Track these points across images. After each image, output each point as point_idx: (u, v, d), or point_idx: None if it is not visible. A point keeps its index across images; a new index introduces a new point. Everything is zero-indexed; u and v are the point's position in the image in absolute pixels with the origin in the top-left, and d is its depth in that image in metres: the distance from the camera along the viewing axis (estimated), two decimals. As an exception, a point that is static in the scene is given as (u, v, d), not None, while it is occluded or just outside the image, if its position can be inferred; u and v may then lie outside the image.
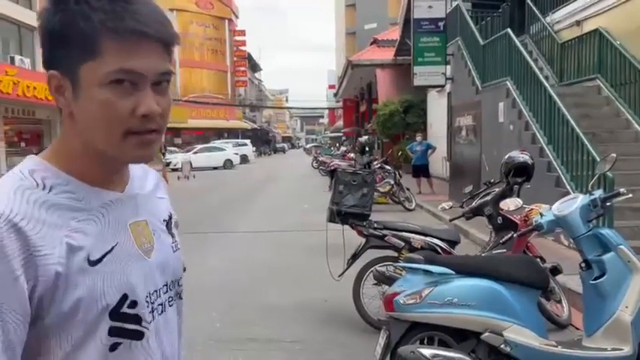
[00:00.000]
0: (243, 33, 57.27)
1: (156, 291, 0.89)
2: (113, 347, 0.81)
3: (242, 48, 56.72)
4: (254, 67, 67.66)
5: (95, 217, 0.82)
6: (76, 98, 0.78)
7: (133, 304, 0.83)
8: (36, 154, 0.84)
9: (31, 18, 19.21)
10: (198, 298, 5.12)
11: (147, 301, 0.86)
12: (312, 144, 66.67)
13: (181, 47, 48.22)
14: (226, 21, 54.12)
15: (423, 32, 14.45)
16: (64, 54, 0.77)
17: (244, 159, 34.11)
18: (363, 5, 55.77)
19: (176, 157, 28.54)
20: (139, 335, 0.85)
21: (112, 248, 0.82)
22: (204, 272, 6.28)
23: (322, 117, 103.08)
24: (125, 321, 0.82)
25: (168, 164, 25.72)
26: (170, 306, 0.93)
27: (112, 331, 0.81)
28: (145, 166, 0.98)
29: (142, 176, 0.97)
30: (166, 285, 0.92)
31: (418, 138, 14.29)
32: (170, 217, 0.99)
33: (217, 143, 35.68)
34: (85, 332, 0.79)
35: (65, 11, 0.76)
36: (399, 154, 17.05)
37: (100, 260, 0.80)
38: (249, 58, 60.37)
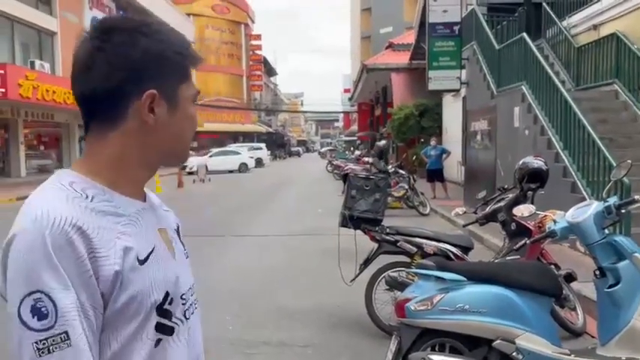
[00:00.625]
0: (258, 37, 57.65)
1: (189, 289, 0.97)
2: (157, 343, 0.88)
3: (258, 52, 57.11)
4: (269, 71, 68.00)
5: (134, 222, 0.89)
6: (170, 113, 0.91)
7: (172, 301, 0.90)
8: (60, 167, 0.91)
9: (50, 23, 19.56)
10: (212, 301, 5.17)
11: (183, 299, 0.94)
12: (327, 148, 66.69)
13: (198, 51, 48.76)
14: (242, 25, 54.53)
15: (438, 36, 14.41)
16: (166, 76, 0.90)
17: (259, 162, 34.28)
18: (379, 9, 55.74)
19: (192, 161, 28.75)
20: (176, 332, 0.92)
21: (153, 249, 0.90)
22: (218, 275, 6.33)
23: (337, 121, 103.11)
24: (167, 317, 0.89)
25: (184, 167, 25.93)
26: (195, 308, 1.00)
27: (158, 327, 0.88)
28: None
29: (148, 193, 1.03)
30: (190, 288, 0.99)
31: (432, 142, 14.23)
32: (178, 227, 1.06)
33: (233, 147, 35.92)
34: (137, 327, 0.85)
35: (166, 42, 0.91)
36: (414, 158, 17.00)
37: (146, 259, 0.87)
38: (265, 62, 60.71)
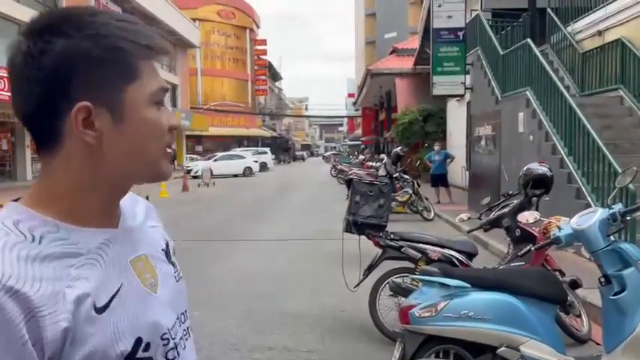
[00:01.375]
0: (264, 42, 57.91)
1: (173, 326, 0.83)
2: None
3: (263, 57, 57.35)
4: (274, 75, 68.22)
5: (94, 260, 0.74)
6: (117, 125, 0.74)
7: (147, 346, 0.77)
8: (15, 200, 0.77)
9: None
10: (216, 305, 5.19)
11: (165, 339, 0.80)
12: (331, 152, 66.77)
13: (203, 56, 49.05)
14: (247, 30, 54.81)
15: (443, 42, 14.44)
16: (100, 81, 0.73)
17: (264, 167, 34.36)
18: (383, 15, 55.94)
19: (197, 165, 28.93)
20: None
21: (118, 290, 0.75)
22: (222, 279, 6.34)
23: (341, 125, 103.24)
24: None
25: (189, 171, 26.08)
26: (186, 340, 0.88)
27: None
28: (133, 195, 0.93)
29: (132, 207, 0.90)
30: (178, 318, 0.86)
31: (436, 147, 14.23)
32: (167, 245, 0.93)
33: (237, 151, 36.03)
34: None
35: (96, 36, 0.72)
36: (418, 163, 17.00)
37: (107, 306, 0.73)
38: (270, 66, 60.95)
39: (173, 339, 0.82)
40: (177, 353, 0.82)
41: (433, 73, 14.71)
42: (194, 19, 40.51)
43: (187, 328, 0.89)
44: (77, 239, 0.74)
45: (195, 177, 25.55)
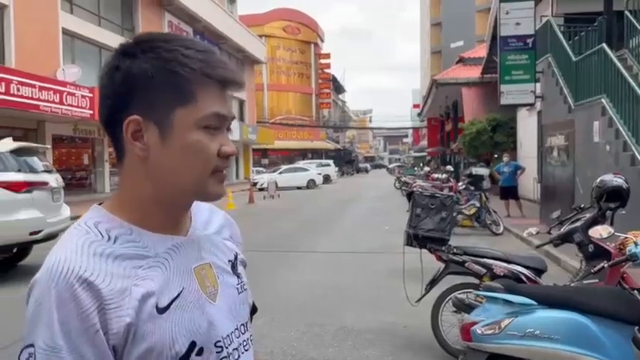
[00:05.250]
0: (328, 56, 58.60)
1: (228, 335, 0.87)
2: None
3: (327, 71, 58.03)
4: (338, 88, 68.77)
5: (160, 264, 0.82)
6: (164, 142, 0.80)
7: (201, 351, 0.82)
8: (100, 204, 0.87)
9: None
10: (278, 316, 5.25)
11: (218, 347, 0.85)
12: (395, 164, 66.11)
13: (269, 71, 50.41)
14: (312, 45, 55.73)
15: (511, 50, 13.98)
16: (153, 100, 0.80)
17: (327, 179, 34.58)
18: (449, 24, 55.11)
19: (262, 177, 29.59)
20: None
21: (179, 294, 0.81)
22: (284, 291, 6.42)
23: (406, 136, 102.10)
24: None
25: (255, 184, 26.72)
26: (246, 351, 0.91)
27: None
28: (214, 207, 1.00)
29: (207, 218, 0.97)
30: (237, 329, 0.90)
31: (505, 158, 13.74)
32: (236, 257, 0.98)
33: (301, 164, 36.51)
34: None
35: (158, 59, 0.79)
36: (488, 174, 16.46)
37: (167, 307, 0.79)
38: (334, 80, 61.52)
39: (227, 348, 0.85)
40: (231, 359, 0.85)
41: (501, 81, 14.26)
42: (261, 36, 41.74)
43: (247, 340, 0.92)
44: (147, 243, 0.82)
45: (261, 189, 26.14)
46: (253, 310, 1.05)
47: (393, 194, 23.64)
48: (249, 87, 37.37)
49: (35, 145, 9.18)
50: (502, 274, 4.04)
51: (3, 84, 12.74)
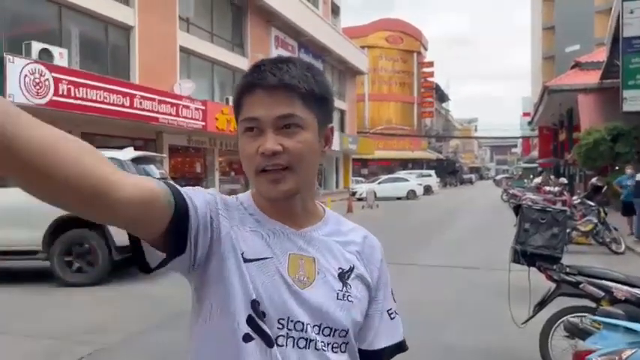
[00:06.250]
0: (431, 64, 57.51)
1: (299, 322, 0.93)
2: (246, 338, 0.91)
3: (430, 79, 56.90)
4: (441, 97, 67.17)
5: (261, 235, 0.96)
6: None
7: (262, 314, 0.92)
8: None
9: (243, 63, 22.08)
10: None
11: (280, 323, 0.92)
12: (503, 175, 63.00)
13: (370, 82, 50.51)
14: (415, 54, 55.03)
15: (635, 52, 12.78)
16: (237, 108, 0.99)
17: (428, 190, 33.79)
18: (564, 27, 51.72)
19: (361, 187, 29.64)
20: (270, 343, 0.91)
21: (265, 259, 0.94)
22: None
23: (515, 146, 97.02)
24: (255, 323, 0.92)
25: (353, 194, 26.83)
26: (327, 351, 0.94)
27: (249, 321, 0.91)
28: (359, 226, 1.12)
29: (343, 230, 1.07)
30: (318, 326, 0.94)
31: (628, 171, 12.50)
32: (351, 270, 1.02)
33: (401, 174, 36.06)
34: (234, 307, 0.91)
35: (244, 77, 0.99)
36: (605, 188, 15.09)
37: (251, 261, 0.93)
38: (437, 88, 60.19)
39: (291, 330, 0.92)
40: (282, 342, 0.91)
41: (624, 87, 13.09)
42: (363, 47, 41.99)
43: (340, 344, 0.96)
44: (260, 219, 0.98)
45: (359, 199, 26.17)
46: (399, 348, 1.12)
47: (499, 207, 22.52)
48: (350, 97, 37.69)
49: (153, 154, 9.97)
50: (623, 298, 3.65)
51: (128, 98, 14.01)
